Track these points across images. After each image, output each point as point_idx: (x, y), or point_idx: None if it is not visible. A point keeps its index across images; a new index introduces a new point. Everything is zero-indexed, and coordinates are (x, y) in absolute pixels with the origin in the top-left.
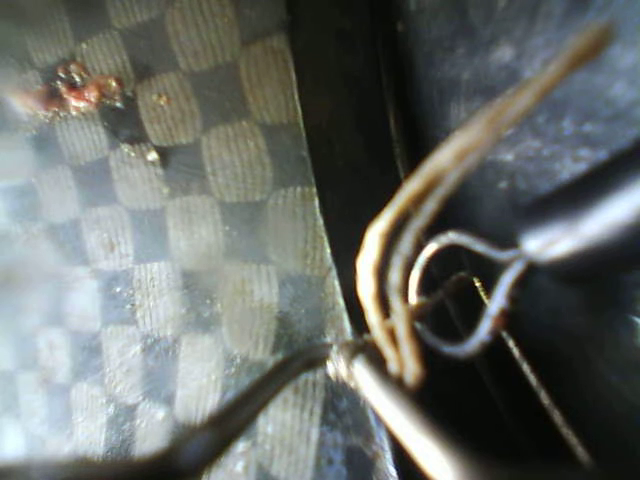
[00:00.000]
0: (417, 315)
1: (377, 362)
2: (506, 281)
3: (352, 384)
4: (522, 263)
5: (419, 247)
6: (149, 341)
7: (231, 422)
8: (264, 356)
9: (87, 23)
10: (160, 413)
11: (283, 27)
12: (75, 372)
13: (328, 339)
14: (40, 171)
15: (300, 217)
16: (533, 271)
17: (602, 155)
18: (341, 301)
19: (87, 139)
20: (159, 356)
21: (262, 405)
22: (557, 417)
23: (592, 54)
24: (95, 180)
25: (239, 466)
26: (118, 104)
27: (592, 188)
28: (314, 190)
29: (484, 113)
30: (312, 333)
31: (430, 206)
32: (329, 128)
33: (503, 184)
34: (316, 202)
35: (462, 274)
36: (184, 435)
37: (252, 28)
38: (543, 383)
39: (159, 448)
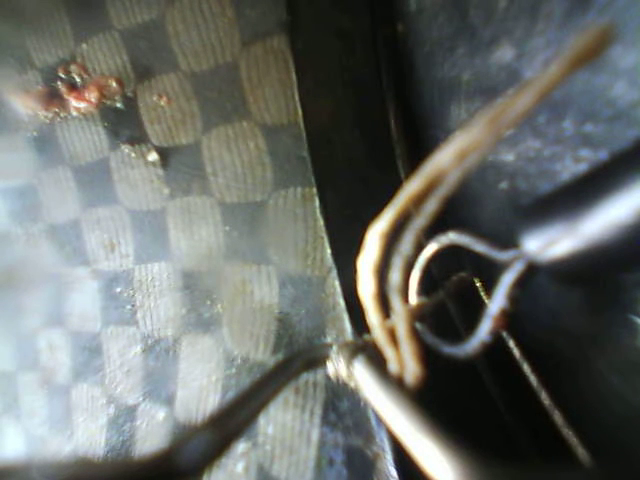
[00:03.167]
0: (417, 315)
1: (377, 362)
2: (506, 281)
3: (352, 384)
4: (522, 263)
5: (419, 247)
6: (150, 342)
7: (231, 422)
8: (265, 357)
9: (87, 24)
10: (161, 414)
11: (283, 27)
12: (75, 373)
13: (329, 339)
14: (40, 172)
15: (300, 217)
16: (533, 271)
17: (603, 155)
18: (342, 301)
19: (87, 140)
20: (159, 357)
21: (262, 405)
22: (557, 417)
23: (593, 55)
24: (95, 181)
25: (239, 467)
26: (118, 105)
27: (592, 188)
28: (314, 190)
29: (485, 113)
30: (313, 334)
31: (431, 206)
32: (329, 128)
33: (504, 184)
34: (316, 202)
35: (462, 274)
36: (184, 435)
37: (252, 28)
38: (543, 383)
39: (159, 448)
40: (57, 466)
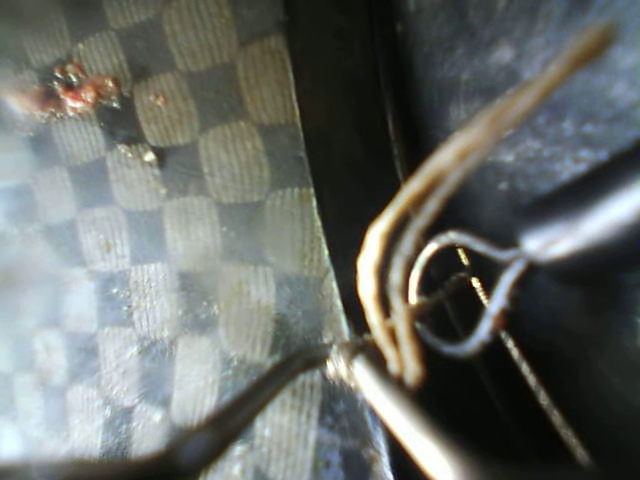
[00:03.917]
0: (417, 315)
1: (377, 362)
2: (506, 281)
3: (352, 384)
4: (522, 263)
5: (419, 247)
6: (146, 343)
7: (230, 423)
8: (261, 358)
9: (84, 23)
10: (157, 415)
11: (281, 27)
12: (72, 374)
13: (325, 341)
14: (36, 172)
15: (298, 218)
16: (533, 271)
17: (602, 156)
18: (339, 303)
19: (84, 140)
20: (156, 358)
21: (262, 405)
22: (557, 418)
23: (593, 55)
24: (92, 181)
25: (236, 469)
26: (115, 104)
27: (592, 188)
28: (312, 191)
29: (485, 114)
30: (309, 335)
31: (431, 206)
32: (327, 129)
33: (503, 185)
34: (314, 203)
35: (462, 274)
36: (183, 435)
37: (250, 28)
38: (542, 383)
39: (158, 448)
40: (56, 466)
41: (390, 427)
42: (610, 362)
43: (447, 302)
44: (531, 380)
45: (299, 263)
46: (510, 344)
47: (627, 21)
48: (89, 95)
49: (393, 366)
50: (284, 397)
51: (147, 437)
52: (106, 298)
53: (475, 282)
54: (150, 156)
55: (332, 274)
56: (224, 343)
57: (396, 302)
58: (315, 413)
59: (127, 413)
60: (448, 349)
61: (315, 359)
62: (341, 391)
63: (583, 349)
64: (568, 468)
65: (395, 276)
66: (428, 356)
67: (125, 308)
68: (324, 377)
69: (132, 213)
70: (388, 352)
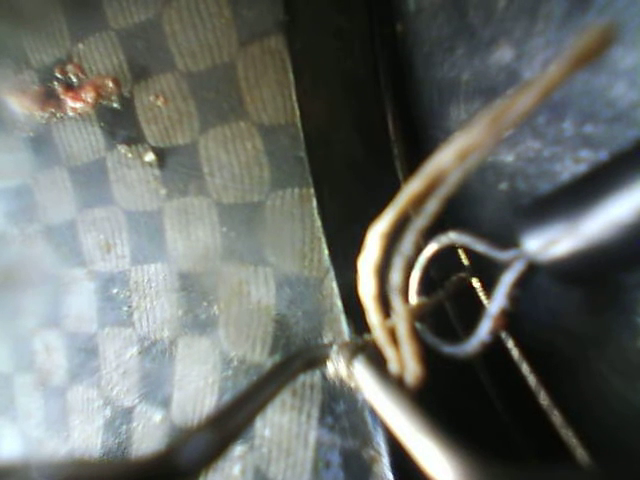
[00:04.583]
0: (417, 315)
1: (377, 362)
2: (507, 281)
3: (352, 384)
4: (523, 263)
5: (419, 247)
6: (146, 343)
7: (230, 423)
8: (261, 358)
9: (84, 23)
10: (157, 416)
11: (281, 28)
12: (72, 374)
13: (325, 341)
14: (36, 172)
15: (298, 218)
16: (534, 271)
17: (603, 156)
18: (339, 303)
19: (84, 140)
20: (156, 358)
21: (262, 405)
22: (557, 418)
23: (594, 55)
24: (92, 181)
25: (236, 469)
26: (115, 105)
27: (592, 188)
28: (312, 191)
29: (485, 114)
30: (310, 335)
31: (431, 206)
32: (327, 129)
33: (503, 185)
34: (314, 203)
35: (462, 274)
36: (183, 435)
37: (250, 28)
38: (542, 383)
39: (158, 448)
40: (56, 466)
41: (390, 427)
42: (610, 362)
43: (447, 302)
44: (531, 380)
45: (299, 263)
46: (510, 344)
47: (627, 21)
48: (89, 95)
49: (393, 366)
50: (284, 397)
51: (147, 437)
52: (106, 298)
53: (475, 282)
54: (150, 156)
55: (332, 274)
56: (224, 343)
57: (396, 302)
58: (315, 413)
59: (127, 413)
60: (448, 349)
61: (315, 359)
62: (341, 391)
63: (583, 349)
64: (568, 468)
65: (395, 276)
66: (428, 356)
67: (125, 308)
68: (324, 377)
69: (132, 213)
70: (388, 352)
